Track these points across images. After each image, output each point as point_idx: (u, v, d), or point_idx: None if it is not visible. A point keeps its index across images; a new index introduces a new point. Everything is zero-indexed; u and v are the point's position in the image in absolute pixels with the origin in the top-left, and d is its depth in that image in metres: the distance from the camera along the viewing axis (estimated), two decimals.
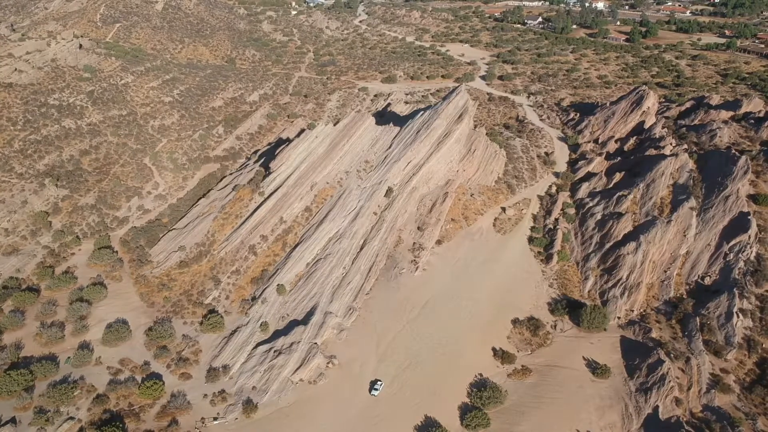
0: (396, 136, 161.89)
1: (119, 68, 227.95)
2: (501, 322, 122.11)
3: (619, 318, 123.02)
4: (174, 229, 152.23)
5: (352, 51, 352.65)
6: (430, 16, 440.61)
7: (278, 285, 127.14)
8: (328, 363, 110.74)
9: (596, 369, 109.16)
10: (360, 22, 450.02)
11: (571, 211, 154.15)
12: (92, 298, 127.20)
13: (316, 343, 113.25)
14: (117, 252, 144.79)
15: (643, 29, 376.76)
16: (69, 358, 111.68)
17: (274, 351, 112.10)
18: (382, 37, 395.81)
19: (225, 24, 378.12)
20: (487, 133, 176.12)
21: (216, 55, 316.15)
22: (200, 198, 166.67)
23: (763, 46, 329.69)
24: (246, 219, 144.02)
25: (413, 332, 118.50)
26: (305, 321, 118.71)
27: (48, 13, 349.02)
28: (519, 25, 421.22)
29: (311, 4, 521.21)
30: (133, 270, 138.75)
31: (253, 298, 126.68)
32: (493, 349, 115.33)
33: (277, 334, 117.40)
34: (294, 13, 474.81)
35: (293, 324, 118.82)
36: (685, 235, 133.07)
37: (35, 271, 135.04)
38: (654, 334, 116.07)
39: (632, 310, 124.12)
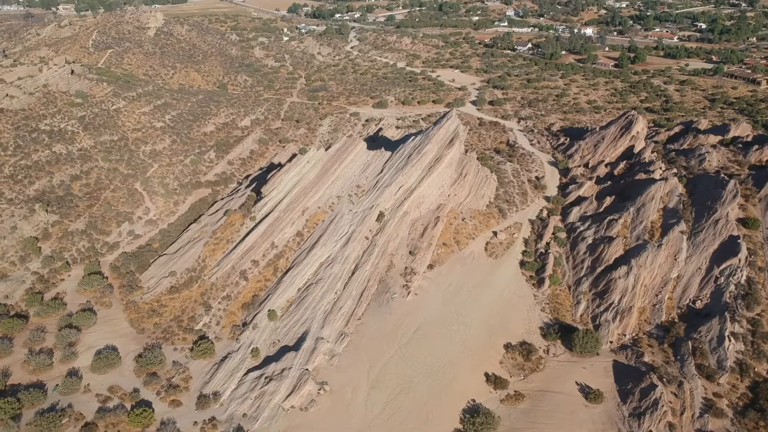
0: (387, 160, 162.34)
1: (111, 93, 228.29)
2: (493, 347, 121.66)
3: (611, 342, 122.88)
4: (165, 254, 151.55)
5: (343, 76, 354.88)
6: (421, 42, 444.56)
7: (269, 310, 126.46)
8: (319, 389, 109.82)
9: (589, 394, 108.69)
10: (351, 48, 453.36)
11: (563, 235, 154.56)
12: (81, 324, 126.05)
13: (307, 369, 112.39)
14: (107, 278, 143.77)
15: (632, 55, 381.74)
16: (57, 385, 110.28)
17: (265, 377, 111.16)
18: (373, 62, 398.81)
19: (217, 50, 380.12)
20: (478, 158, 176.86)
21: (208, 80, 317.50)
22: (191, 223, 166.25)
23: (749, 71, 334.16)
24: (237, 244, 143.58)
25: (405, 357, 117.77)
26: (296, 347, 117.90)
27: (40, 39, 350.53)
28: (509, 51, 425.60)
29: (303, 31, 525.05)
30: (123, 296, 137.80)
31: (244, 324, 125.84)
32: (486, 375, 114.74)
33: (268, 360, 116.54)
34: (286, 39, 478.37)
35: (284, 350, 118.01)
36: (675, 259, 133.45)
37: (24, 297, 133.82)
38: (646, 359, 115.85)
39: (624, 334, 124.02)
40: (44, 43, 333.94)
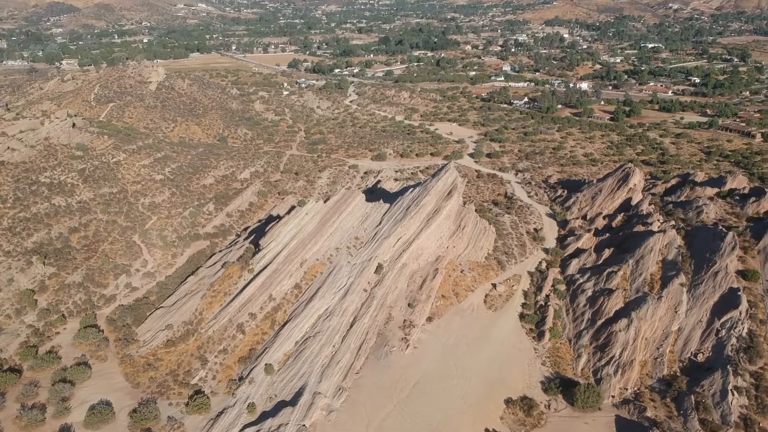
0: (386, 212, 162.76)
1: (111, 146, 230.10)
2: (494, 402, 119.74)
3: (613, 396, 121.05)
4: (161, 307, 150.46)
5: (342, 130, 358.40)
6: (419, 96, 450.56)
7: (266, 364, 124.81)
8: None
9: None
10: (350, 102, 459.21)
11: (562, 287, 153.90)
12: (76, 378, 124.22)
13: (304, 425, 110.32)
14: (103, 331, 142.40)
15: (627, 108, 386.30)
16: None
17: None
18: (372, 116, 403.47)
19: (217, 103, 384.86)
20: (476, 210, 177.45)
21: (208, 133, 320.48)
22: (189, 275, 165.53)
23: (744, 124, 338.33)
24: (235, 296, 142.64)
25: (404, 413, 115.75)
26: (293, 402, 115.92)
27: (43, 93, 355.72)
28: (506, 105, 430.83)
29: (303, 85, 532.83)
30: (119, 349, 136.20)
31: (241, 378, 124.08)
32: (486, 430, 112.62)
33: (264, 416, 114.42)
34: (286, 93, 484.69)
35: (281, 405, 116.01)
36: (676, 312, 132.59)
37: (18, 351, 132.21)
38: (649, 413, 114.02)
39: (626, 389, 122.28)
40: (47, 97, 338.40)
